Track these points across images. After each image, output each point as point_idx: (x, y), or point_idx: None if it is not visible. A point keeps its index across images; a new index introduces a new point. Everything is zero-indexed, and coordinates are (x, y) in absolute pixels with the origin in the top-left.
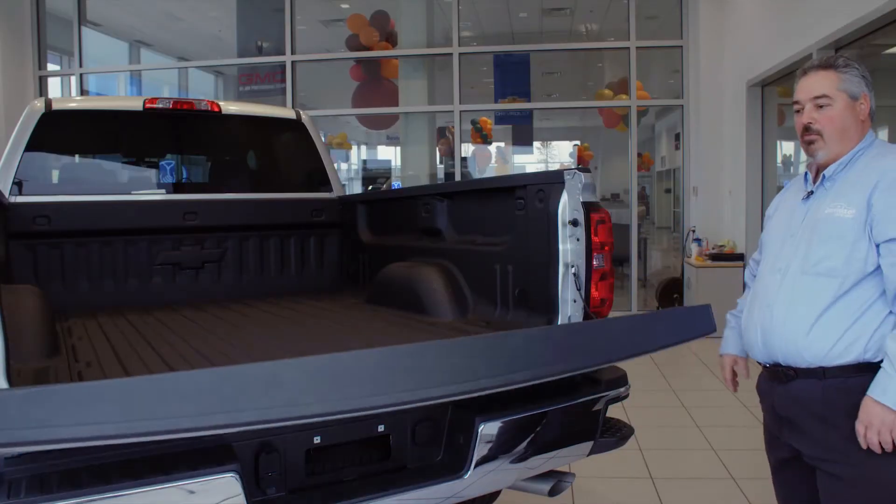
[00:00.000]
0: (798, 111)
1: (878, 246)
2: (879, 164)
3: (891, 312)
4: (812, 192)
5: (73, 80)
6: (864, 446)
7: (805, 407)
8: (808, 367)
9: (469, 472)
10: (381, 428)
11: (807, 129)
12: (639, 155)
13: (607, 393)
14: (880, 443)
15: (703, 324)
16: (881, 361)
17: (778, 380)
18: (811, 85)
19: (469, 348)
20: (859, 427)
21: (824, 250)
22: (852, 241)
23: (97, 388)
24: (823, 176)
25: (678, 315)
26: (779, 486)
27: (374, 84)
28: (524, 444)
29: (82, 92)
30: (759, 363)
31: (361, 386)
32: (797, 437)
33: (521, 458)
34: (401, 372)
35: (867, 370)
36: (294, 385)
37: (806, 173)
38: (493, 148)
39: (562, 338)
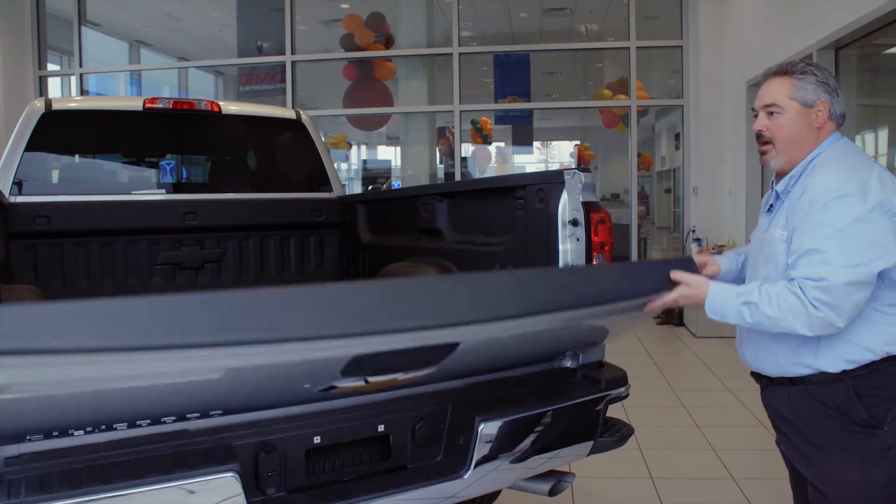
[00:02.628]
0: (755, 117)
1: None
2: (810, 181)
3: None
4: (772, 206)
5: (73, 80)
6: (659, 302)
7: (776, 411)
8: (775, 376)
9: (469, 472)
10: (381, 428)
11: (758, 136)
12: (639, 155)
13: (607, 393)
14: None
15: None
16: (842, 372)
17: (759, 385)
18: (765, 92)
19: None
20: (673, 274)
21: (766, 271)
22: (784, 265)
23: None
24: (777, 193)
25: (663, 267)
26: (793, 484)
27: (365, 84)
28: (524, 444)
29: (82, 92)
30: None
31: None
32: (781, 439)
33: (521, 458)
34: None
35: (828, 379)
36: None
37: (773, 181)
38: (492, 148)
39: (555, 279)
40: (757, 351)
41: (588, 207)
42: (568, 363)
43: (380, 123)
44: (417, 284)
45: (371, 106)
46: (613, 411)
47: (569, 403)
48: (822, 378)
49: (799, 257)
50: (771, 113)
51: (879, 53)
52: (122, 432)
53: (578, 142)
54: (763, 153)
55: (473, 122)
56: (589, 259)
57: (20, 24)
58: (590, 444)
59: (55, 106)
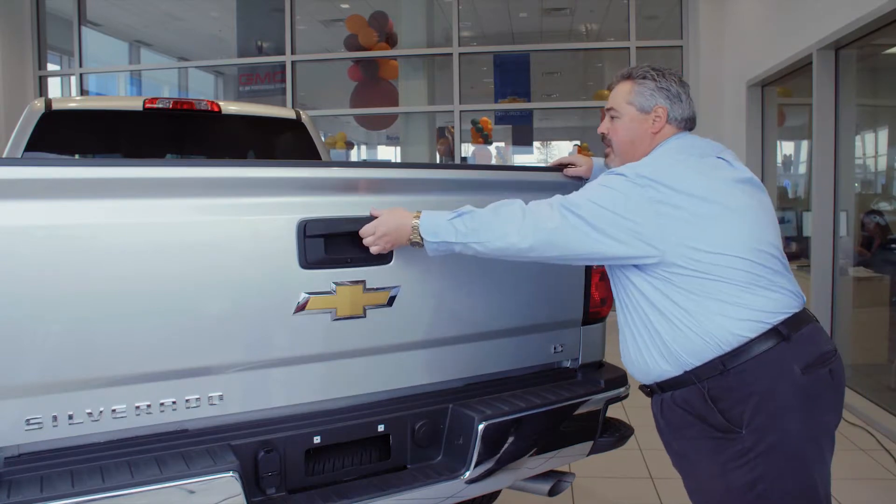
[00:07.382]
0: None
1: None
2: None
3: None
4: None
5: (73, 80)
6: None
7: (655, 420)
8: (648, 384)
9: (469, 472)
10: (381, 428)
11: (602, 138)
12: None
13: (607, 393)
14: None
15: None
16: (694, 369)
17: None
18: (611, 96)
19: None
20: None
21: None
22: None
23: None
24: None
25: None
26: None
27: (372, 85)
28: (524, 443)
29: (82, 92)
30: None
31: None
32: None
33: (521, 458)
34: None
35: (684, 381)
36: None
37: None
38: (492, 148)
39: None
40: (625, 363)
41: None
42: (568, 363)
43: (387, 123)
44: None
45: (380, 105)
46: (613, 411)
47: (569, 403)
48: (680, 381)
49: None
50: (612, 117)
51: (879, 53)
52: (121, 432)
53: (578, 142)
54: (606, 154)
55: (474, 122)
56: None
57: (20, 24)
58: (590, 444)
59: (55, 106)
